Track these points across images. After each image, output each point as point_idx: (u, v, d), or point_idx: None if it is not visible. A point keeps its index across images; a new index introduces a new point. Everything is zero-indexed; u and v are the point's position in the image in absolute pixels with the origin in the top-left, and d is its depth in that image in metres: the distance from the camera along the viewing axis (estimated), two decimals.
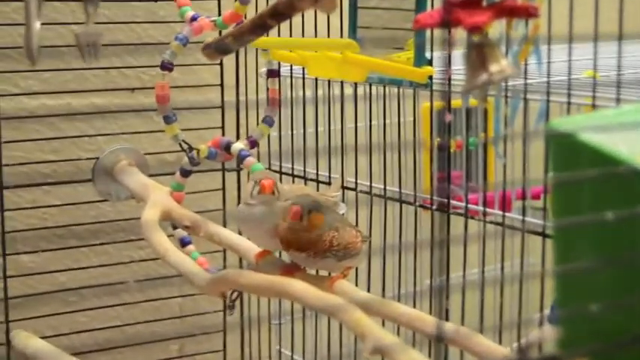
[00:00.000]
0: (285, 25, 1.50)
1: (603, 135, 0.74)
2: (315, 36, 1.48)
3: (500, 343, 1.07)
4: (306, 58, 1.30)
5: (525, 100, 1.17)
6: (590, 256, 0.75)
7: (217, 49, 1.15)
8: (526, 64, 1.10)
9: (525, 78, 1.11)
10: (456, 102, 1.56)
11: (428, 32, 1.23)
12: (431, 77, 1.27)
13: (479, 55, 0.94)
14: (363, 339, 0.97)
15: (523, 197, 1.35)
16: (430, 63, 1.27)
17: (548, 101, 1.10)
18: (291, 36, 1.49)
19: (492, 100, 1.18)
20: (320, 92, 1.57)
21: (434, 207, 1.32)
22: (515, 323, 1.22)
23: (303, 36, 1.48)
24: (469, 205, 1.30)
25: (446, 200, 1.33)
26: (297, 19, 1.49)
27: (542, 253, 1.17)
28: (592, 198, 0.75)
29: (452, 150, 1.71)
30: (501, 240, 1.21)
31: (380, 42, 1.26)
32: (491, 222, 1.26)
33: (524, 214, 1.21)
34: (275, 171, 1.62)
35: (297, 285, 1.05)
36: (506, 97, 1.06)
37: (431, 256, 1.35)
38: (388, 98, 1.46)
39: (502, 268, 1.23)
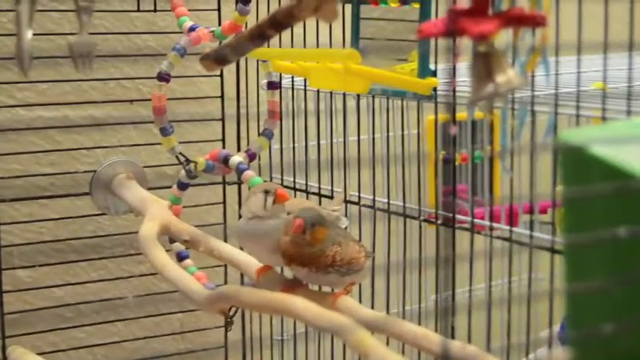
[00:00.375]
0: (286, 36, 1.49)
1: (614, 148, 0.72)
2: (317, 47, 1.45)
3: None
4: (307, 69, 1.27)
5: (533, 112, 1.14)
6: (602, 274, 0.73)
7: (215, 60, 1.13)
8: (533, 76, 1.08)
9: (533, 90, 1.08)
10: (461, 115, 1.53)
11: (432, 43, 1.20)
12: (435, 89, 1.24)
13: (485, 65, 0.91)
14: (366, 359, 0.94)
15: (531, 212, 1.32)
16: (434, 74, 1.25)
17: (556, 113, 1.07)
18: (292, 47, 1.47)
19: (499, 112, 1.15)
20: (322, 105, 1.54)
21: (439, 221, 1.29)
22: (524, 343, 1.19)
23: (304, 47, 1.46)
24: (475, 220, 1.27)
25: (451, 215, 1.30)
26: (298, 29, 1.47)
27: (550, 269, 1.14)
28: (604, 213, 0.72)
29: (457, 163, 1.68)
30: (508, 255, 1.18)
31: (383, 52, 1.24)
32: (498, 237, 1.23)
33: (531, 228, 1.18)
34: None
35: (298, 302, 1.02)
36: (513, 108, 1.03)
37: (436, 273, 1.32)
38: (392, 111, 1.43)
39: (509, 283, 1.20)
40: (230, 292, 1.15)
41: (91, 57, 1.03)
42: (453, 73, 1.07)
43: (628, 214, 0.70)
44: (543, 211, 1.49)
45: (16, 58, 1.00)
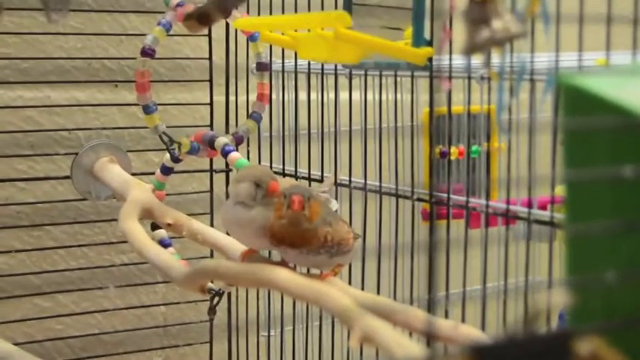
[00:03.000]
0: (277, 6, 1.43)
1: (616, 88, 0.67)
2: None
3: None
4: (297, 39, 1.21)
5: (532, 80, 1.08)
6: (605, 219, 0.67)
7: (199, 19, 1.07)
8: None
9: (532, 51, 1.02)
10: (458, 108, 1.47)
11: (427, 7, 1.15)
12: (430, 59, 1.19)
13: (481, 11, 0.86)
14: (350, 326, 0.87)
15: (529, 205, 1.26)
16: (429, 44, 1.19)
17: (557, 70, 1.01)
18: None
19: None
20: (314, 93, 1.48)
21: (433, 200, 1.23)
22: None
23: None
24: (470, 199, 1.21)
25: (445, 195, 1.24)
26: None
27: (549, 244, 1.08)
28: (607, 155, 0.67)
29: (453, 158, 1.62)
30: (506, 232, 1.12)
31: (374, 13, 1.18)
32: (495, 213, 1.17)
33: (529, 205, 1.12)
34: None
35: (280, 273, 0.95)
36: (511, 66, 0.97)
37: (429, 255, 1.25)
38: (385, 88, 1.38)
39: (506, 260, 1.14)
40: (209, 266, 1.09)
41: (65, 8, 0.96)
42: (449, 23, 1.01)
43: (631, 154, 0.65)
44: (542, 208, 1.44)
45: None
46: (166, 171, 1.40)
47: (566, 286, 0.67)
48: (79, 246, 1.58)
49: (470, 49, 0.86)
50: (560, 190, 1.51)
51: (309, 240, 1.07)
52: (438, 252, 0.65)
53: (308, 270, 1.20)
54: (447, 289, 1.23)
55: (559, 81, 0.71)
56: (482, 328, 1.17)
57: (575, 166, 0.69)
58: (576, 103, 0.70)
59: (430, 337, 0.61)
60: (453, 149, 1.61)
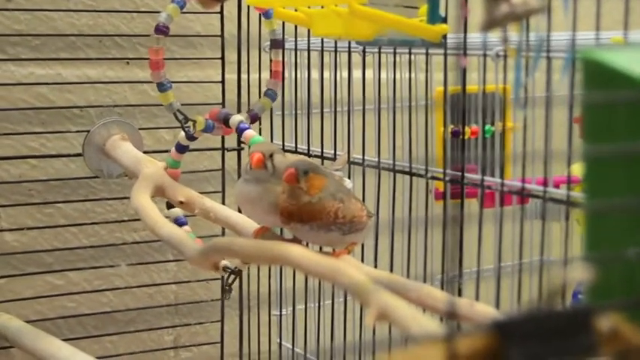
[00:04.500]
0: None
1: (638, 63, 0.66)
2: None
3: None
4: (310, 16, 1.20)
5: (549, 58, 1.07)
6: (625, 195, 0.66)
7: None
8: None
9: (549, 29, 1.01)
10: (473, 87, 1.46)
11: None
12: (445, 36, 1.18)
13: None
14: (366, 304, 0.87)
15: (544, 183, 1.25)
16: (444, 21, 1.18)
17: (574, 54, 1.00)
18: None
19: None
20: (327, 72, 1.47)
21: (447, 178, 1.22)
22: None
23: None
24: (485, 177, 1.20)
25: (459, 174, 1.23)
26: None
27: (565, 225, 1.07)
28: (627, 130, 0.66)
29: (467, 137, 1.61)
30: (521, 210, 1.11)
31: None
32: (510, 191, 1.16)
33: (545, 184, 1.11)
34: None
35: (294, 249, 0.94)
36: (527, 43, 0.96)
37: (443, 233, 1.25)
38: (398, 66, 1.37)
39: (521, 239, 1.13)
40: (222, 243, 1.09)
41: None
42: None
43: None
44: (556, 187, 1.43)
45: None
46: (181, 149, 1.39)
47: (586, 262, 0.66)
48: (91, 224, 1.57)
49: (488, 25, 0.85)
50: (575, 169, 1.50)
51: (316, 215, 1.06)
52: (456, 229, 0.65)
53: (320, 249, 1.20)
54: (461, 267, 1.23)
55: (580, 56, 0.70)
56: (497, 306, 1.16)
57: (595, 142, 0.69)
58: (596, 78, 0.69)
59: (450, 316, 0.60)
60: (466, 128, 1.60)
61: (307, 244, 1.15)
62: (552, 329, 0.61)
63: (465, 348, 0.59)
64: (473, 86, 1.45)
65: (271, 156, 1.12)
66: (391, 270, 1.33)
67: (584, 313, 0.62)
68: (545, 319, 0.61)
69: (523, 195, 1.12)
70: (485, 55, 1.20)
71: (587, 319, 0.62)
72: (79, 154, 1.50)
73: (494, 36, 1.14)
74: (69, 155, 1.53)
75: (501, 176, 1.22)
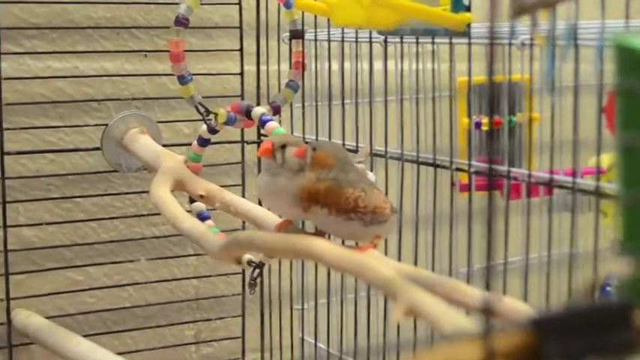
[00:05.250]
0: None
1: None
2: None
3: None
4: (331, 5, 1.18)
5: (576, 45, 1.04)
6: None
7: None
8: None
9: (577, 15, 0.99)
10: (497, 77, 1.43)
11: None
12: (469, 25, 1.16)
13: None
14: (394, 299, 0.85)
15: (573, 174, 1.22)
16: (468, 9, 1.16)
17: (602, 43, 0.98)
18: None
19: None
20: (347, 62, 1.45)
21: (472, 170, 1.20)
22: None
23: None
24: (512, 169, 1.18)
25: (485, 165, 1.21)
26: None
27: (595, 215, 1.05)
28: None
29: (489, 128, 1.58)
30: (548, 201, 1.09)
31: None
32: (537, 182, 1.13)
33: (574, 175, 1.08)
34: None
35: (319, 243, 0.93)
36: (556, 31, 0.94)
37: (468, 228, 1.23)
38: (422, 55, 1.35)
39: (550, 232, 1.11)
40: (244, 237, 1.07)
41: None
42: None
43: None
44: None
45: None
46: (203, 142, 1.38)
47: (622, 255, 0.64)
48: (110, 218, 1.56)
49: (517, 12, 0.83)
50: (601, 160, 1.48)
51: (334, 197, 1.05)
52: (490, 222, 0.63)
53: (343, 242, 1.18)
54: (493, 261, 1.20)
55: (612, 43, 0.67)
56: (525, 299, 1.14)
57: (629, 130, 0.66)
58: (630, 64, 0.66)
59: (485, 312, 0.58)
60: (486, 119, 1.57)
61: (329, 237, 1.13)
62: (590, 325, 0.59)
63: (502, 345, 0.57)
64: (497, 76, 1.42)
65: (283, 147, 1.10)
66: (415, 264, 1.31)
67: (622, 309, 0.60)
68: (583, 316, 0.59)
69: (551, 186, 1.10)
70: (510, 44, 1.17)
71: (625, 315, 0.60)
72: (97, 148, 1.49)
73: (519, 24, 1.12)
74: (87, 149, 1.51)
75: (527, 167, 1.20)
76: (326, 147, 1.08)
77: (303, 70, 1.45)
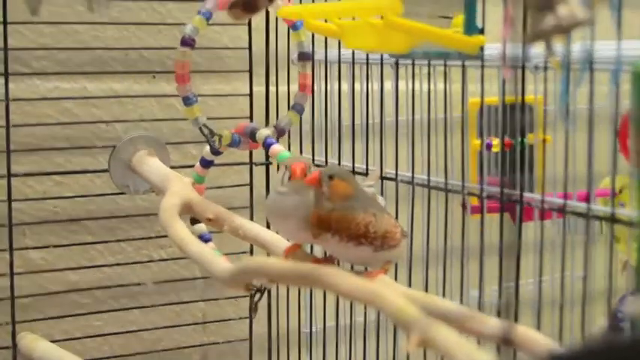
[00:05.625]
0: None
1: None
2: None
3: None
4: (343, 28, 1.16)
5: (591, 69, 1.03)
6: None
7: (245, 7, 1.04)
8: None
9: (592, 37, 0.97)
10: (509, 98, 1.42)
11: None
12: (482, 48, 1.14)
13: None
14: (407, 330, 0.83)
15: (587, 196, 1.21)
16: (481, 32, 1.14)
17: (619, 67, 0.96)
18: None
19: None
20: (357, 83, 1.44)
21: (484, 195, 1.18)
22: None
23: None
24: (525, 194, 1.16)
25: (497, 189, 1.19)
26: None
27: (609, 242, 1.03)
28: None
29: (498, 150, 1.57)
30: (562, 226, 1.07)
31: (424, 6, 1.13)
32: (551, 208, 1.12)
33: (588, 199, 1.07)
34: None
35: (330, 271, 0.91)
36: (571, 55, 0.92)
37: (480, 258, 1.21)
38: (433, 77, 1.33)
39: (563, 256, 1.09)
40: (254, 263, 1.05)
41: None
42: None
43: None
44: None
45: None
46: (206, 164, 1.37)
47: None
48: (117, 241, 1.54)
49: (533, 37, 0.81)
50: (606, 183, 1.46)
51: (345, 224, 1.02)
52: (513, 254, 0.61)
53: (352, 267, 1.16)
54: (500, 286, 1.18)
55: (631, 68, 0.66)
56: (538, 326, 1.12)
57: None
58: None
59: (506, 343, 0.57)
60: (497, 141, 1.56)
61: (338, 263, 1.11)
62: None
63: None
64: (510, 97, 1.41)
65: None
66: (426, 287, 1.29)
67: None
68: (601, 353, 0.58)
69: (565, 213, 1.08)
70: (523, 67, 1.16)
71: None
72: (104, 170, 1.47)
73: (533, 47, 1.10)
74: (95, 171, 1.50)
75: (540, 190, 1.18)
76: (342, 174, 1.05)
77: (313, 92, 1.43)
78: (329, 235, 1.03)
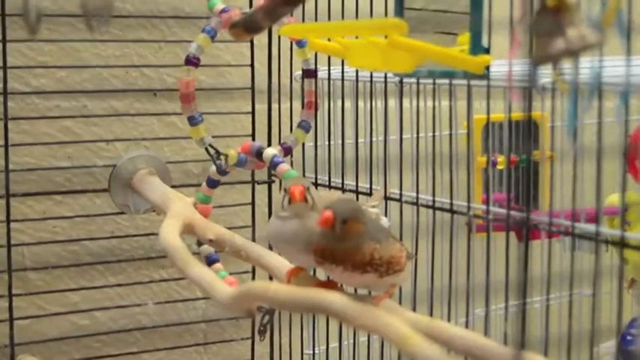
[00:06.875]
0: (323, 12, 1.37)
1: None
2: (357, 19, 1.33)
3: None
4: (347, 47, 1.15)
5: (600, 92, 1.01)
6: None
7: (246, 27, 1.01)
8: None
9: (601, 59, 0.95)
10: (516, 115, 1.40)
11: (485, 14, 1.08)
12: (488, 68, 1.12)
13: (554, 19, 0.79)
14: (412, 357, 0.81)
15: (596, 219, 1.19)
16: (487, 52, 1.13)
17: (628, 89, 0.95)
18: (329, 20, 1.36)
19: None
20: (361, 101, 1.42)
21: (490, 216, 1.16)
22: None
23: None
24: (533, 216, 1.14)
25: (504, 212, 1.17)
26: (336, 3, 1.36)
27: (620, 265, 1.01)
28: None
29: (502, 167, 1.55)
30: (571, 248, 1.05)
31: (428, 24, 1.12)
32: (559, 231, 1.10)
33: (597, 220, 1.05)
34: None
35: (335, 298, 0.89)
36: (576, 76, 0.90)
37: (487, 274, 1.19)
38: (438, 95, 1.31)
39: (571, 280, 1.07)
40: (258, 288, 1.03)
41: (108, 15, 0.90)
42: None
43: None
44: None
45: (23, 16, 0.88)
46: (213, 184, 1.35)
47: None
48: (118, 261, 1.52)
49: (541, 61, 0.80)
50: (613, 200, 1.44)
51: (351, 256, 1.00)
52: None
53: (355, 290, 1.14)
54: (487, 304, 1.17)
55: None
56: (545, 353, 1.10)
57: None
58: None
59: None
60: (502, 158, 1.55)
61: (342, 286, 1.09)
62: None
63: None
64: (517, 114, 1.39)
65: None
66: (431, 311, 1.27)
67: None
68: None
69: (573, 236, 1.06)
70: (530, 88, 1.14)
71: None
72: (105, 190, 1.45)
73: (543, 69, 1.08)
74: (95, 191, 1.49)
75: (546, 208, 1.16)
76: (355, 216, 1.01)
77: (316, 110, 1.42)
78: (333, 266, 1.01)
